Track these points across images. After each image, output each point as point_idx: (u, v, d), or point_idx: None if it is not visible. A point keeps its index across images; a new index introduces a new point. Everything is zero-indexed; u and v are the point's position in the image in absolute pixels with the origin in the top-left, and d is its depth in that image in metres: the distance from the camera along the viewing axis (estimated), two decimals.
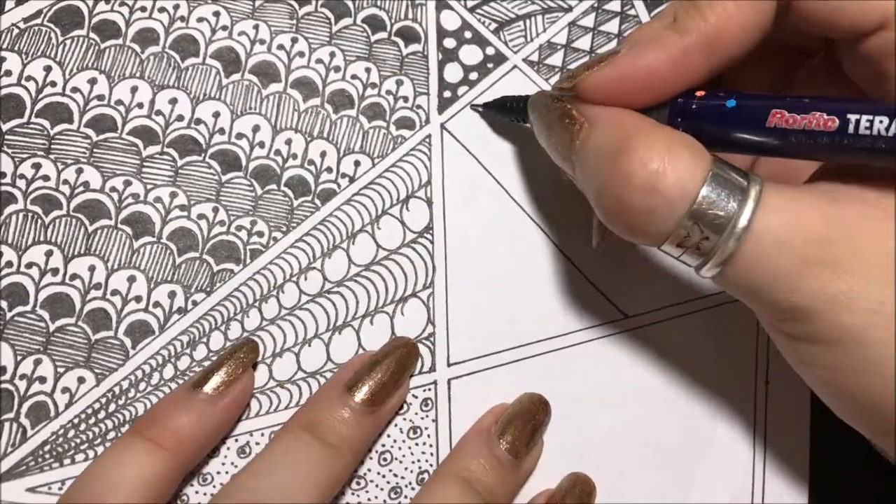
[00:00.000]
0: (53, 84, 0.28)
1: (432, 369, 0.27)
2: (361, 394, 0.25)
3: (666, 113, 0.22)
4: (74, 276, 0.27)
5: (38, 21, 0.28)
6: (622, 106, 0.22)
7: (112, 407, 0.26)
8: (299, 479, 0.23)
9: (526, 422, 0.26)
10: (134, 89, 0.28)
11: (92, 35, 0.28)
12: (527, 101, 0.26)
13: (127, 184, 0.27)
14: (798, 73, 0.25)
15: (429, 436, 0.27)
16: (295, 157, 0.28)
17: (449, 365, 0.28)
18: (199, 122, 0.28)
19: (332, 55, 0.29)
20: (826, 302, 0.19)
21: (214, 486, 0.26)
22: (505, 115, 0.28)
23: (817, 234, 0.19)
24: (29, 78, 0.28)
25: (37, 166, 0.27)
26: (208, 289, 0.27)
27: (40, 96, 0.28)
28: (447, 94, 0.29)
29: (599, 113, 0.22)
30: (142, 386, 0.26)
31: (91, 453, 0.26)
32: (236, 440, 0.26)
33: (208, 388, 0.25)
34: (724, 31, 0.21)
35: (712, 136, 0.21)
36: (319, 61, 0.29)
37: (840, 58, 0.23)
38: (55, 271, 0.27)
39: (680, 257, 0.21)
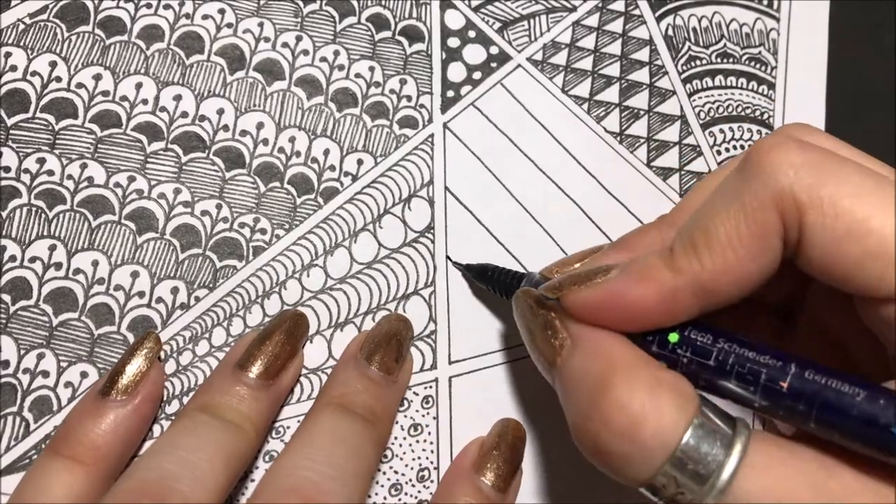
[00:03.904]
0: (58, 79, 0.28)
1: (433, 367, 0.28)
2: (256, 368, 0.24)
3: (655, 342, 0.20)
4: (78, 271, 0.27)
5: (44, 17, 0.28)
6: (608, 327, 0.20)
7: None
8: (206, 453, 0.22)
9: (390, 340, 0.26)
10: (138, 85, 0.28)
11: (97, 31, 0.28)
12: (512, 277, 0.25)
13: (131, 179, 0.27)
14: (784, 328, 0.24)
15: (429, 433, 0.27)
16: (298, 154, 0.28)
17: (450, 363, 0.28)
18: (203, 118, 0.28)
19: (337, 53, 0.29)
20: None
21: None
22: (484, 283, 0.27)
23: None
24: (34, 73, 0.28)
25: (41, 161, 0.27)
26: (211, 285, 0.27)
27: (45, 91, 0.28)
28: (450, 93, 0.30)
29: (584, 334, 0.20)
30: None
31: None
32: None
33: (117, 392, 0.24)
34: (720, 280, 0.19)
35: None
36: (323, 59, 0.29)
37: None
38: (58, 266, 0.27)
39: None
